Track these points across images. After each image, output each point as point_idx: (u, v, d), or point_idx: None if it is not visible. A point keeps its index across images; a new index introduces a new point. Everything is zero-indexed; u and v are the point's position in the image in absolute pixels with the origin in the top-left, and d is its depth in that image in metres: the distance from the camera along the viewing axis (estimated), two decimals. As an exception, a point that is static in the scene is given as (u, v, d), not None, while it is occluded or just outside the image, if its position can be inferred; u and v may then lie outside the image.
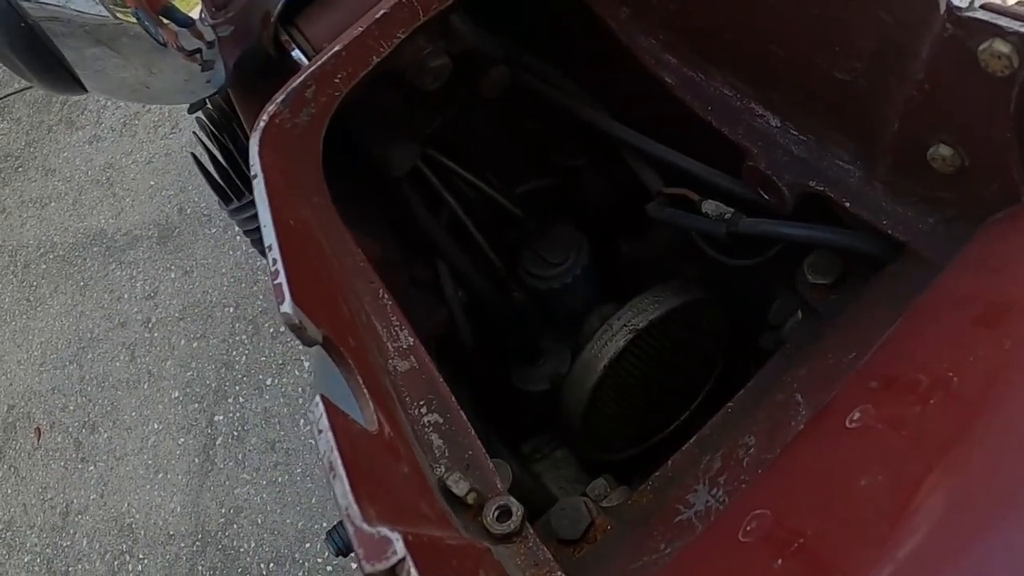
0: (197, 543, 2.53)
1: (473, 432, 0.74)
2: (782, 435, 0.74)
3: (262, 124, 0.76)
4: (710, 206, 0.95)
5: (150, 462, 2.72)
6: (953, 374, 0.57)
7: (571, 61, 1.07)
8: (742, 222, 0.91)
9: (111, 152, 3.44)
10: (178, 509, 2.60)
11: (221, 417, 2.70)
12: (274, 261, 0.64)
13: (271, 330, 2.78)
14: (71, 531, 2.71)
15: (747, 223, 0.91)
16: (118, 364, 2.94)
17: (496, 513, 0.70)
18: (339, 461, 0.51)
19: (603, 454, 1.15)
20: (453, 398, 0.76)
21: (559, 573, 0.68)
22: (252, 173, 0.71)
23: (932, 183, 0.77)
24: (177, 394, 2.80)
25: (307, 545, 2.39)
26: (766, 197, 0.89)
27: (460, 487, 0.70)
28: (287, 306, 0.61)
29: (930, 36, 0.66)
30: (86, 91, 1.07)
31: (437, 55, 0.94)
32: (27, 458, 2.90)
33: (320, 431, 0.54)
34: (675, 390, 1.15)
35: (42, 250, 3.35)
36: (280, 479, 2.52)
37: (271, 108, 0.77)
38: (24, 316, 3.21)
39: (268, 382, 2.69)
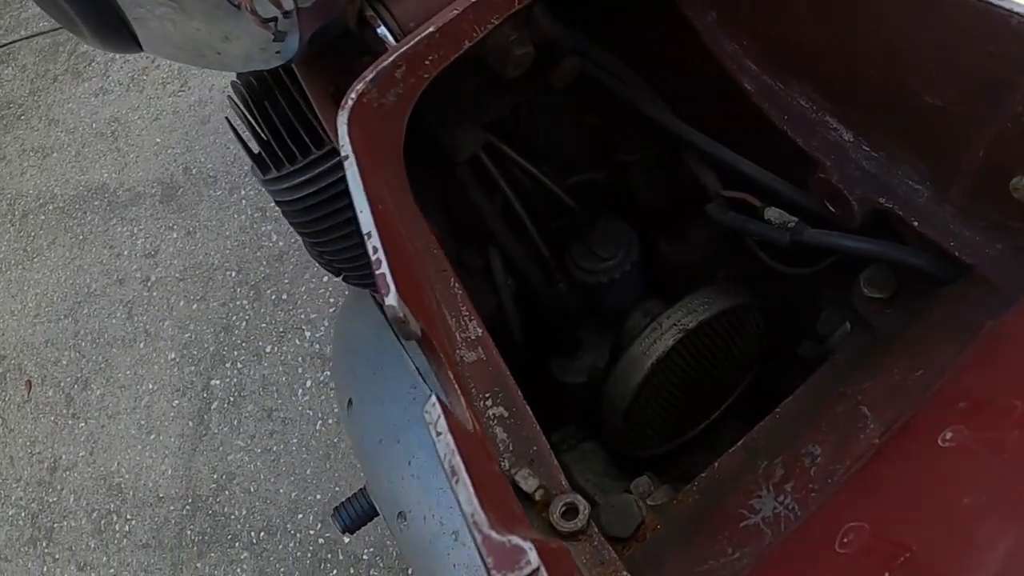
0: (187, 507, 2.53)
1: (538, 427, 0.75)
2: (852, 447, 0.75)
3: (350, 103, 0.75)
4: (773, 213, 0.95)
5: (143, 422, 2.72)
6: None
7: (643, 57, 1.07)
8: (807, 232, 0.92)
9: (117, 106, 3.42)
10: (169, 472, 2.61)
11: (218, 382, 2.70)
12: (375, 249, 0.63)
13: (273, 297, 2.78)
14: (58, 487, 2.71)
15: (812, 233, 0.92)
16: (114, 321, 2.94)
17: (562, 510, 0.70)
18: (462, 466, 0.51)
19: (634, 449, 1.16)
20: (519, 392, 0.76)
21: (625, 573, 0.68)
22: (343, 154, 0.70)
23: (1009, 211, 0.77)
24: (174, 355, 2.80)
25: (300, 516, 2.40)
26: (832, 209, 0.90)
27: (529, 483, 0.70)
28: (392, 298, 0.60)
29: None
30: (141, 49, 1.05)
31: (522, 43, 0.94)
32: (16, 410, 2.90)
33: (439, 433, 0.54)
34: (709, 391, 1.17)
35: (41, 200, 3.33)
36: (275, 448, 2.53)
37: (359, 86, 0.76)
38: (20, 267, 3.20)
39: (268, 349, 2.70)
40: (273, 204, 2.87)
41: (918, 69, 0.79)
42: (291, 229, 2.81)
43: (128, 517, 2.58)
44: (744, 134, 0.96)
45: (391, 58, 0.78)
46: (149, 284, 2.96)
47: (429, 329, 0.64)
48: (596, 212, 1.19)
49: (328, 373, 2.56)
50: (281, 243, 2.82)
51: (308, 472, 2.46)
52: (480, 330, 0.77)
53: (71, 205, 3.27)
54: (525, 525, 0.63)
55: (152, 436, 2.69)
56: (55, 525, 2.65)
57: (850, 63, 0.85)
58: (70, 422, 2.81)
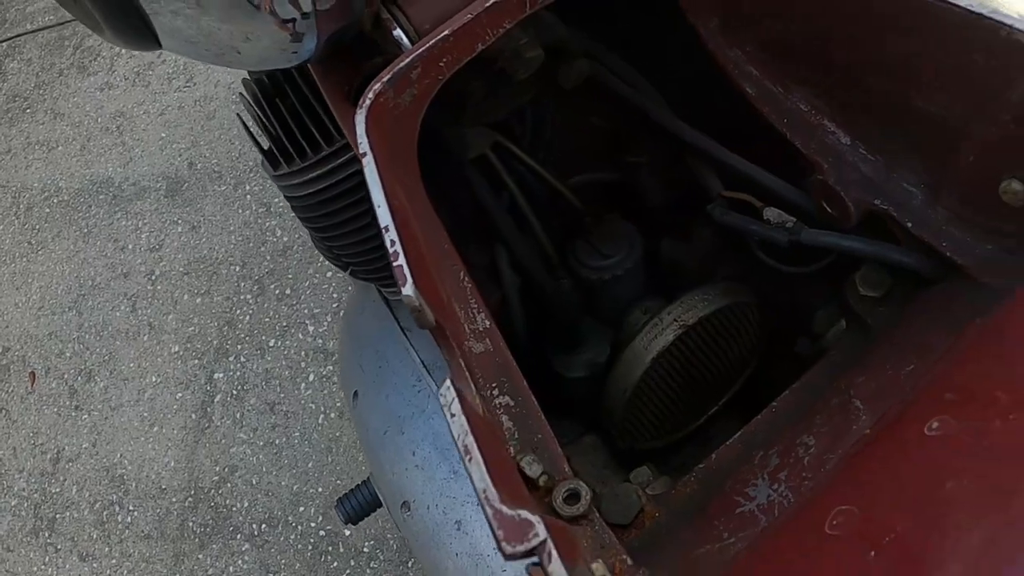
0: (189, 499, 2.57)
1: (542, 415, 0.78)
2: (844, 438, 0.78)
3: (368, 102, 0.79)
4: (772, 213, 0.99)
5: (146, 415, 2.76)
6: None
7: (650, 60, 1.10)
8: (804, 232, 0.95)
9: (123, 100, 3.46)
10: (172, 464, 2.65)
11: (221, 375, 2.74)
12: (392, 242, 0.66)
13: (276, 291, 2.82)
14: (61, 478, 2.75)
15: (809, 233, 0.95)
16: (118, 314, 2.98)
17: (565, 495, 0.73)
18: (475, 445, 0.54)
19: (633, 442, 1.20)
20: (524, 381, 0.79)
21: (625, 556, 0.72)
22: (361, 151, 0.74)
23: (999, 214, 0.81)
24: (177, 348, 2.84)
25: (301, 508, 2.44)
26: (829, 210, 0.93)
27: (533, 469, 0.73)
28: (409, 288, 0.64)
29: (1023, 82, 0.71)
30: (160, 47, 1.08)
31: (532, 46, 0.98)
32: (20, 402, 2.93)
33: (453, 415, 0.57)
34: (708, 386, 1.20)
35: (46, 194, 3.37)
36: (277, 441, 2.58)
37: (377, 87, 0.80)
38: (24, 259, 3.24)
39: (271, 343, 2.74)
40: (278, 200, 2.94)
41: (913, 77, 0.83)
42: (296, 224, 2.88)
43: (130, 508, 2.62)
44: (746, 137, 0.99)
45: (407, 60, 0.81)
46: (153, 278, 3.01)
47: (442, 319, 0.68)
48: (602, 211, 1.22)
49: (331, 368, 2.60)
50: (285, 238, 2.86)
51: (310, 465, 2.50)
52: (488, 322, 0.80)
53: (76, 198, 3.31)
54: (533, 506, 0.66)
55: (155, 428, 2.73)
56: (57, 516, 2.69)
57: (849, 71, 0.88)
58: (73, 414, 2.85)
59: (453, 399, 0.57)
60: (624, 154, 1.21)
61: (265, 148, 1.31)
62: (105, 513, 2.64)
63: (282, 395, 2.64)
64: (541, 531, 0.49)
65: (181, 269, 2.99)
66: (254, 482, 2.53)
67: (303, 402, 2.61)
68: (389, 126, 0.80)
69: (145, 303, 2.97)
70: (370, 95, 0.79)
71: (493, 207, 1.11)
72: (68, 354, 2.97)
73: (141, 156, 3.31)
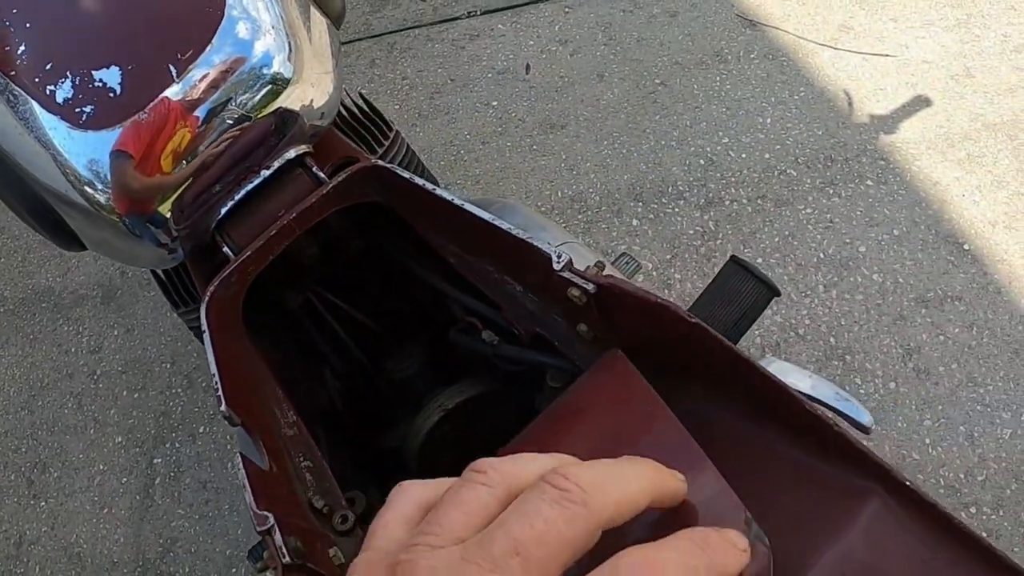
0: (138, 570, 2.97)
1: (330, 471, 1.29)
2: None
3: (207, 298, 1.30)
4: (487, 334, 1.53)
5: (96, 499, 3.16)
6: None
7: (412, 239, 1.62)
8: (502, 348, 1.49)
9: (58, 216, 3.92)
10: (121, 540, 3.06)
11: (159, 460, 3.17)
12: (215, 379, 1.23)
13: (203, 384, 3.27)
14: (24, 560, 3.10)
15: (504, 348, 1.46)
16: (66, 411, 3.38)
17: (340, 518, 1.28)
18: (247, 483, 1.12)
19: (436, 489, 1.74)
20: (319, 451, 1.32)
21: None
22: (203, 329, 1.30)
23: (583, 341, 1.37)
24: (120, 439, 3.26)
25: (234, 570, 2.88)
26: (516, 333, 1.48)
27: (319, 503, 1.24)
28: (223, 407, 1.17)
29: (552, 278, 1.27)
30: (87, 248, 1.69)
31: (309, 247, 1.54)
32: (-18, 496, 3.35)
33: (239, 468, 1.13)
34: (491, 445, 1.70)
35: (-7, 304, 3.85)
36: (211, 513, 3.01)
37: (211, 289, 1.29)
38: (-23, 365, 3.61)
39: (200, 430, 3.19)
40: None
41: (514, 265, 1.36)
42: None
43: (88, 583, 3.11)
44: (468, 286, 1.54)
45: (227, 272, 1.34)
46: (95, 377, 3.44)
47: (250, 420, 1.25)
48: (406, 330, 1.81)
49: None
50: (209, 336, 3.35)
51: (239, 532, 2.96)
52: (295, 416, 1.36)
53: (20, 307, 3.73)
54: (314, 523, 1.24)
55: (105, 510, 3.14)
56: (22, 596, 3.13)
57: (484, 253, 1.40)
58: (32, 502, 3.23)
59: (239, 462, 1.15)
60: (412, 293, 1.80)
61: (170, 293, 1.93)
62: (65, 590, 3.11)
63: (212, 474, 3.09)
64: (271, 519, 1.06)
65: (119, 368, 3.42)
66: (193, 550, 2.96)
67: (230, 479, 3.06)
68: (223, 307, 1.36)
69: (89, 400, 3.38)
70: (207, 294, 1.36)
71: (316, 337, 1.71)
72: (24, 449, 3.34)
73: (77, 266, 3.75)
